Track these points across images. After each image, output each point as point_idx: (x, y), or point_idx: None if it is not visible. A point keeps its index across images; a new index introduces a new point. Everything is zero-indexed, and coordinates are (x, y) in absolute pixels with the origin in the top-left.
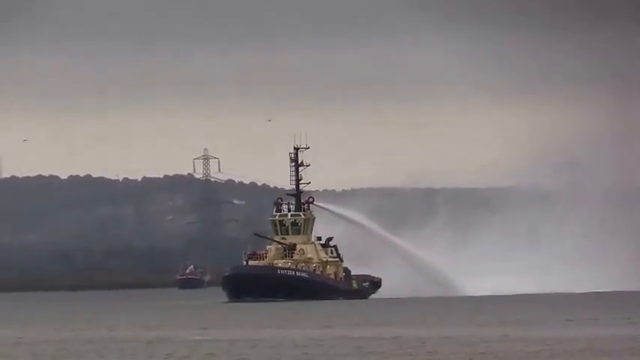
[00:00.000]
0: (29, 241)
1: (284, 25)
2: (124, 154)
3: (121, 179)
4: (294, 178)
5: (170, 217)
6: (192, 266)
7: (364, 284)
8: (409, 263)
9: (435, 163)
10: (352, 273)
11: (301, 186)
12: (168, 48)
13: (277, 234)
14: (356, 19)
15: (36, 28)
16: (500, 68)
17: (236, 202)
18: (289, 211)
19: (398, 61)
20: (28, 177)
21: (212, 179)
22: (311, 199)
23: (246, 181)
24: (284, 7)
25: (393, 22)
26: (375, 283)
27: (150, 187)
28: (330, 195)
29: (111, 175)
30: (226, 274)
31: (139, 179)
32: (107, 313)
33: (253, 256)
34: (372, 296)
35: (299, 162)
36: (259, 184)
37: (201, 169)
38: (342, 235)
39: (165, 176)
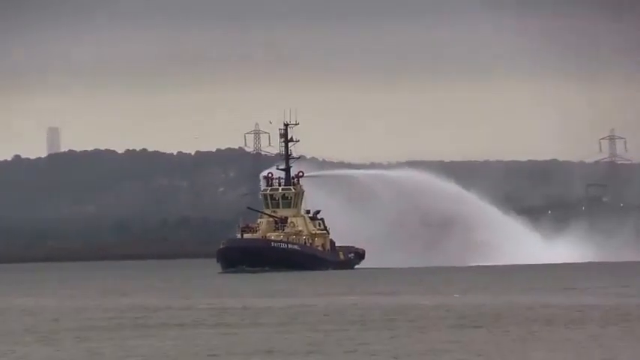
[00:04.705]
0: (88, 212)
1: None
2: (178, 129)
3: (175, 153)
4: (283, 152)
5: (222, 190)
6: None
7: (350, 255)
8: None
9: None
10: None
11: (291, 161)
12: (222, 26)
13: (268, 207)
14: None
15: (99, 3)
16: (543, 46)
17: None
18: (280, 185)
19: (442, 40)
20: (86, 151)
21: (262, 153)
22: (301, 174)
23: (296, 154)
24: None
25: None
26: (360, 254)
27: (203, 160)
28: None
29: (165, 149)
30: (222, 246)
31: (192, 153)
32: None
33: (246, 228)
34: (357, 266)
35: (289, 137)
36: (308, 157)
37: (252, 144)
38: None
39: (218, 150)
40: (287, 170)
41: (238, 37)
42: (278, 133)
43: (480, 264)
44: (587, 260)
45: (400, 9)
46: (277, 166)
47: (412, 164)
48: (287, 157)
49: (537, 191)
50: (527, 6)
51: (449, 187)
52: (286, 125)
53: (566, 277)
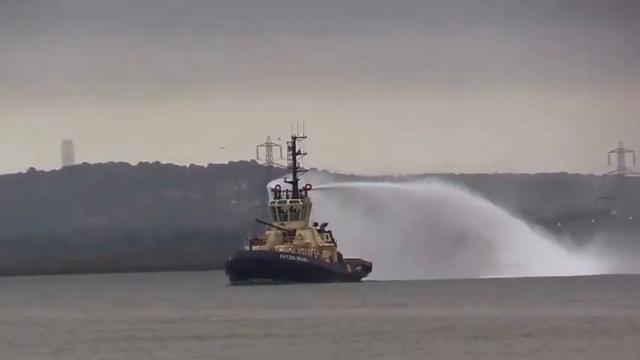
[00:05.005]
0: (101, 225)
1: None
2: (191, 142)
3: (188, 165)
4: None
5: (234, 202)
6: None
7: (357, 268)
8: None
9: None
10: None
11: (298, 174)
12: (229, 39)
13: (276, 220)
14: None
15: (111, 15)
16: (548, 56)
17: None
18: (287, 197)
19: (446, 47)
20: (100, 163)
21: (274, 165)
22: (308, 186)
23: (306, 167)
24: None
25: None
26: (367, 267)
27: (215, 173)
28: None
29: (178, 162)
30: (230, 258)
31: (205, 166)
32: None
33: (255, 241)
34: (364, 279)
35: (297, 150)
36: (319, 169)
37: (265, 156)
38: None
39: (230, 162)
40: (295, 183)
41: (250, 47)
42: (286, 146)
43: (494, 276)
44: (601, 273)
45: (410, 17)
46: (285, 178)
47: (428, 176)
48: (295, 169)
49: (548, 204)
50: (533, 15)
51: (476, 201)
52: (294, 138)
53: (579, 289)
